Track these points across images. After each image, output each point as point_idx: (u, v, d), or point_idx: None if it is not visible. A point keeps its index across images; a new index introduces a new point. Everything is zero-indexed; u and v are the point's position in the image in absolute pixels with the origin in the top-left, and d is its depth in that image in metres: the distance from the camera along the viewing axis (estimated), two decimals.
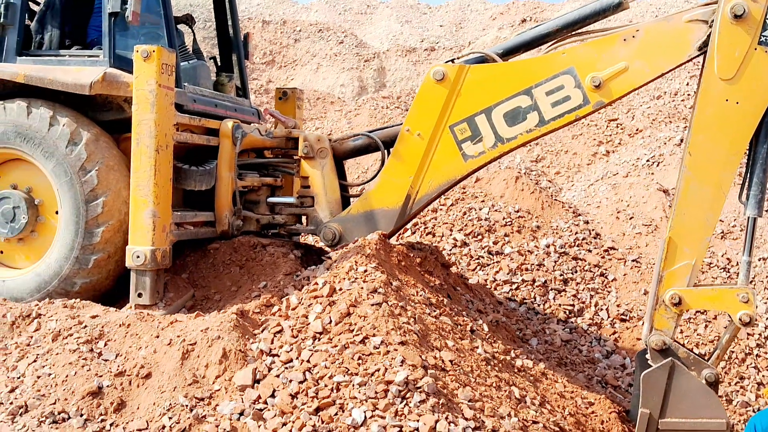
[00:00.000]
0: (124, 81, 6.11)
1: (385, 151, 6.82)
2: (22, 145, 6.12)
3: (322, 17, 35.59)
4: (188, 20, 7.93)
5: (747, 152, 5.61)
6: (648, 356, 5.59)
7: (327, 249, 7.09)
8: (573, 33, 6.13)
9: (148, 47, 5.74)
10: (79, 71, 6.18)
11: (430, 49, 30.87)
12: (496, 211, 9.83)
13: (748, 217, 5.52)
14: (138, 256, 5.70)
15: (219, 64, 8.14)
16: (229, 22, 8.05)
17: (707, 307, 5.53)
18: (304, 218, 7.11)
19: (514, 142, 6.09)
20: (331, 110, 17.12)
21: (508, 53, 6.37)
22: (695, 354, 5.62)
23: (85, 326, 5.25)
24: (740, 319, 5.37)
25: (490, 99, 6.05)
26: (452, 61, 6.37)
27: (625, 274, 9.24)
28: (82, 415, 4.50)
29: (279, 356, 4.73)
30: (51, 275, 6.05)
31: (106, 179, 6.01)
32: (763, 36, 5.31)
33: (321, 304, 5.13)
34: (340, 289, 5.27)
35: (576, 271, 9.11)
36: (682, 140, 12.55)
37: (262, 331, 5.08)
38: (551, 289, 8.76)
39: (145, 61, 5.73)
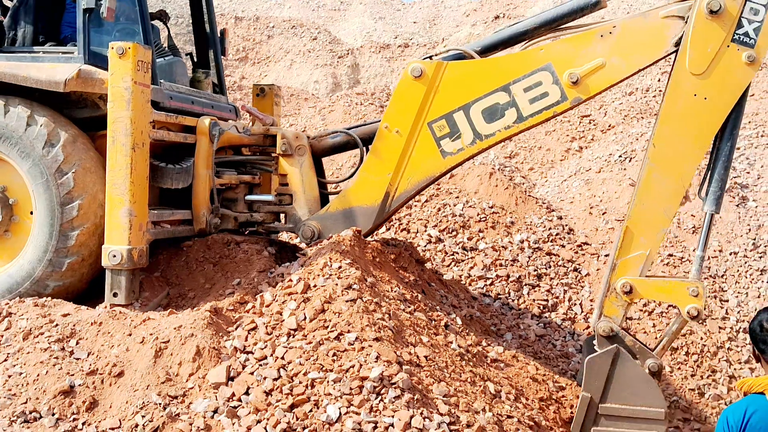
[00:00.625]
0: (99, 78, 6.02)
1: (364, 148, 6.81)
2: None
3: (295, 13, 35.48)
4: (162, 16, 7.86)
5: (710, 148, 5.67)
6: (595, 342, 5.65)
7: (301, 246, 7.06)
8: (550, 30, 6.15)
9: (124, 44, 5.66)
10: (53, 68, 6.08)
11: (404, 45, 30.89)
12: (470, 207, 9.85)
13: (706, 213, 5.57)
14: (114, 256, 5.62)
15: (195, 60, 8.07)
16: (206, 18, 7.99)
17: (657, 298, 5.63)
18: (282, 216, 7.07)
19: (493, 138, 6.08)
20: (305, 107, 17.07)
21: (486, 51, 6.36)
22: (641, 343, 5.69)
23: (57, 325, 5.19)
24: (688, 312, 5.41)
25: (468, 95, 6.04)
26: (430, 57, 6.35)
27: (598, 269, 9.31)
28: (54, 415, 4.45)
29: (253, 353, 4.72)
30: (23, 277, 5.96)
31: (83, 182, 5.93)
32: (737, 33, 5.35)
33: (295, 300, 5.12)
34: (315, 286, 5.26)
35: (550, 267, 9.16)
36: None
37: (236, 329, 5.06)
38: (525, 285, 8.80)
39: (121, 58, 5.65)
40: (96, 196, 5.95)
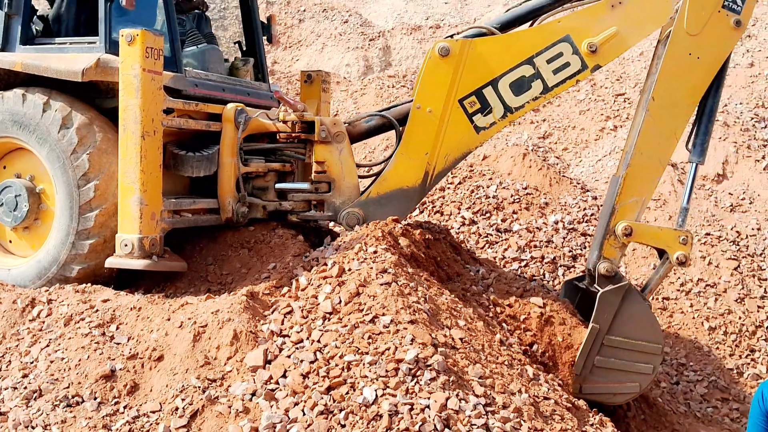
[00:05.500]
0: (117, 67, 6.01)
1: (400, 129, 6.76)
2: (19, 133, 6.08)
3: None
4: (200, 5, 7.83)
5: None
6: (595, 282, 6.13)
7: (335, 231, 7.05)
8: (563, 3, 6.49)
9: (132, 31, 5.57)
10: (74, 58, 6.07)
11: (436, 26, 30.61)
12: (503, 188, 9.81)
13: (692, 164, 6.23)
14: (126, 245, 5.58)
15: (244, 48, 8.01)
16: (250, 6, 7.93)
17: (651, 243, 6.32)
18: (317, 204, 6.95)
19: (523, 110, 6.42)
20: (337, 90, 17.03)
21: (505, 27, 6.60)
22: (633, 286, 6.19)
23: (97, 310, 5.28)
24: (677, 258, 6.04)
25: (495, 71, 6.32)
26: (451, 36, 6.57)
27: (634, 249, 9.23)
28: (95, 398, 4.54)
29: (290, 337, 4.76)
30: (50, 262, 6.01)
31: (98, 163, 5.91)
32: (727, 1, 5.97)
33: (330, 284, 5.15)
34: (350, 270, 5.28)
35: (585, 247, 9.10)
36: None
37: (273, 312, 5.10)
38: (560, 266, 8.76)
39: (130, 45, 5.56)
40: (113, 176, 5.87)
